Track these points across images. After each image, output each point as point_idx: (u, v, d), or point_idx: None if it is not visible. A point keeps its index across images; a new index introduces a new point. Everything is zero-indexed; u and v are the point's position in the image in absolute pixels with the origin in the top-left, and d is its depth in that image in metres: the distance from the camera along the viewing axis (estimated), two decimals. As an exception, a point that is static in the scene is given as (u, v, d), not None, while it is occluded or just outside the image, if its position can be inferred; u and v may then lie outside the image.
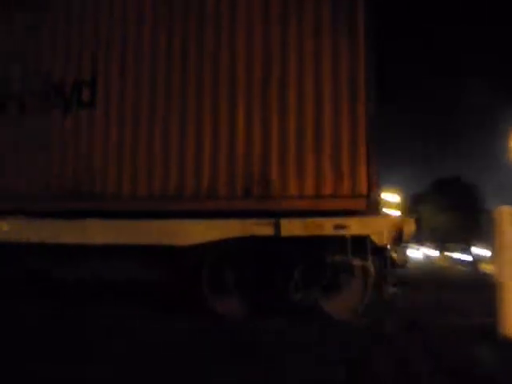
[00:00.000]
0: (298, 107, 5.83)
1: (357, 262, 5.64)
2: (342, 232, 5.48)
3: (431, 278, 16.45)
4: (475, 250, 31.25)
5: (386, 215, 5.85)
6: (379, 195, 5.84)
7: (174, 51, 6.28)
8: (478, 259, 27.66)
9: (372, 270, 5.83)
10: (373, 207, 5.67)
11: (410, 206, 38.76)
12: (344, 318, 5.72)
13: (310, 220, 5.55)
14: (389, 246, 5.85)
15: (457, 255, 33.06)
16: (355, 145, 5.69)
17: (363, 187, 5.62)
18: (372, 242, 5.50)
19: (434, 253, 41.68)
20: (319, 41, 5.85)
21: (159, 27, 6.37)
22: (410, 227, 5.80)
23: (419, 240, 38.34)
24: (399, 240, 5.70)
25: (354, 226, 5.51)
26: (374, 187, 5.69)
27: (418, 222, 6.33)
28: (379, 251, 5.80)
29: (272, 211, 5.70)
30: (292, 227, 5.58)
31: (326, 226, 5.50)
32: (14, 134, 6.71)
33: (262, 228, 5.62)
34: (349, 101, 5.73)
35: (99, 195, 6.41)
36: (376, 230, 5.49)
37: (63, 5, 6.87)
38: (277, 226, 5.57)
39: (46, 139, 6.57)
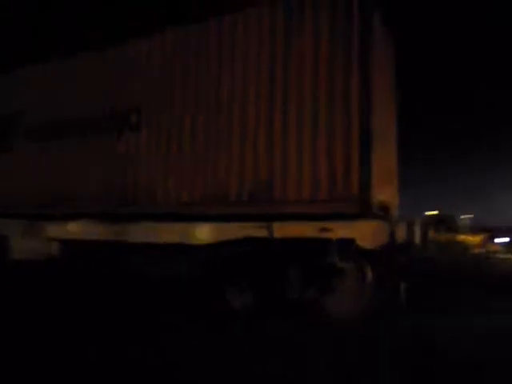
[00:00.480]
0: (297, 124, 6.16)
1: (347, 265, 5.74)
2: (327, 235, 5.67)
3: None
4: None
5: (376, 219, 5.75)
6: (373, 200, 5.79)
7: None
8: None
9: (368, 271, 5.87)
10: (366, 211, 5.71)
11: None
12: (342, 317, 5.86)
13: (297, 223, 5.85)
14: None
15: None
16: (348, 155, 5.81)
17: (355, 192, 5.71)
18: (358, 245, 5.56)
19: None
20: (317, 65, 6.10)
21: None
22: (402, 231, 5.70)
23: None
24: (390, 243, 5.64)
25: (339, 230, 5.65)
26: (367, 193, 5.72)
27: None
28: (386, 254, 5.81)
29: (274, 215, 6.13)
30: (283, 230, 5.95)
31: (312, 230, 5.74)
32: (78, 152, 8.25)
33: (258, 230, 6.09)
34: (343, 114, 5.88)
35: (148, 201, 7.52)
36: (360, 234, 5.54)
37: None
38: (270, 229, 5.99)
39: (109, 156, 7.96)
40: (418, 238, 6.29)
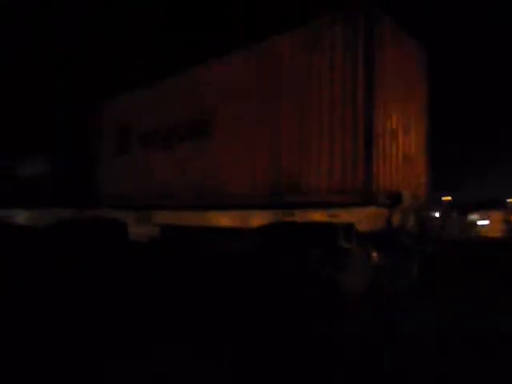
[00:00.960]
0: (318, 133, 7.56)
1: (351, 246, 6.99)
2: (335, 219, 7.00)
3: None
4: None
5: (373, 206, 6.86)
6: (377, 190, 6.96)
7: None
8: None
9: (372, 252, 7.04)
10: (367, 200, 6.91)
11: None
12: (351, 291, 7.12)
13: (312, 210, 7.26)
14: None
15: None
16: (356, 156, 7.06)
17: (360, 185, 6.96)
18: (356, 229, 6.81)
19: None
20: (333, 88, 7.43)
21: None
22: (397, 217, 6.78)
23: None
24: (387, 227, 6.77)
25: (344, 215, 6.94)
26: (369, 185, 6.93)
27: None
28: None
29: (302, 203, 7.61)
30: (302, 216, 7.41)
31: (323, 215, 7.12)
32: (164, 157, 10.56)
33: (286, 216, 7.64)
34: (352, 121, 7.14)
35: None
36: (358, 219, 6.78)
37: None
38: (293, 215, 7.50)
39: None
40: (410, 224, 7.21)
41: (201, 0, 21.26)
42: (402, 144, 7.85)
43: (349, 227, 6.89)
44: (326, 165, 7.43)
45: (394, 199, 7.22)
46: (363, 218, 6.76)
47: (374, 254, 7.01)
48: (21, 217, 15.27)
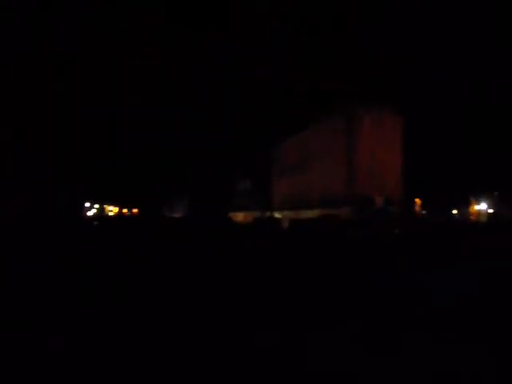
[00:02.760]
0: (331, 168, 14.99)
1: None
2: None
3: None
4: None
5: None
6: (358, 195, 13.95)
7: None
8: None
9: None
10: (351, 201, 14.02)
11: None
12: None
13: (333, 208, 14.73)
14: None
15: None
16: (346, 176, 14.27)
17: (348, 192, 14.12)
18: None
19: None
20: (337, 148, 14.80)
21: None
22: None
23: None
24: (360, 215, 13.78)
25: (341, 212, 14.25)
26: (353, 193, 14.03)
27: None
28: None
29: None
30: (324, 211, 14.90)
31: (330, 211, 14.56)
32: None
33: (328, 211, 15.19)
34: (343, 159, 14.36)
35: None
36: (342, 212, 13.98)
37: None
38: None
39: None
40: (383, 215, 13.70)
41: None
42: (379, 170, 14.32)
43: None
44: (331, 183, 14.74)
45: (368, 200, 13.92)
46: (346, 212, 13.87)
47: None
48: (239, 216, 25.86)
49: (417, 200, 16.36)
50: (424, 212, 36.00)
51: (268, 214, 21.35)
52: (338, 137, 14.93)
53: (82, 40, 17.89)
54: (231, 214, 26.85)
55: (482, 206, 46.08)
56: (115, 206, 46.27)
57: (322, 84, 21.55)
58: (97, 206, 41.26)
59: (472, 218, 43.31)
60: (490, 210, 44.83)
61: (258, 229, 20.86)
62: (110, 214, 44.08)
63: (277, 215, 20.29)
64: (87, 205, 36.90)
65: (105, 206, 43.54)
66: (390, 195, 14.36)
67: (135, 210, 48.41)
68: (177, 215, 36.68)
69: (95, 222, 30.46)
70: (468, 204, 50.60)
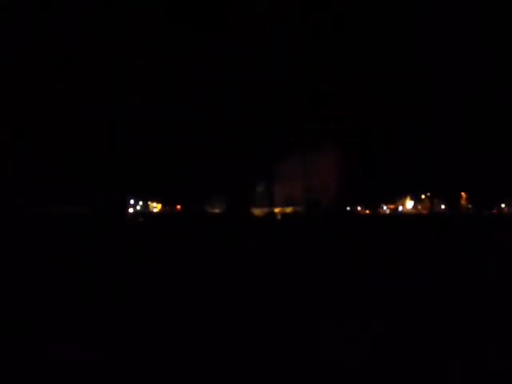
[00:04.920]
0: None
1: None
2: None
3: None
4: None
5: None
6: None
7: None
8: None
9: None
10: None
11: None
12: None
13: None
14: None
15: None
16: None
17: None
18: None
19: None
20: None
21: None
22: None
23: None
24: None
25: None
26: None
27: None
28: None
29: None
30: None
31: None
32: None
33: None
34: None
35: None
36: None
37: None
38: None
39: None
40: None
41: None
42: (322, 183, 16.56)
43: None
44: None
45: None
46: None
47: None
48: (256, 211, 28.54)
49: (462, 194, 18.12)
50: (470, 206, 36.84)
51: (271, 209, 25.16)
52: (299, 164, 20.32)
53: (82, 40, 18.16)
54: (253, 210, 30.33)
55: (532, 200, 45.56)
56: (159, 202, 49.43)
57: (322, 84, 22.65)
58: (141, 202, 44.56)
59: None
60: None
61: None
62: (154, 210, 47.47)
63: (276, 210, 24.84)
64: (131, 202, 40.18)
65: (149, 202, 46.81)
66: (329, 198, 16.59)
67: (178, 207, 51.25)
68: (217, 211, 39.19)
69: (140, 219, 33.48)
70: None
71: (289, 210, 23.14)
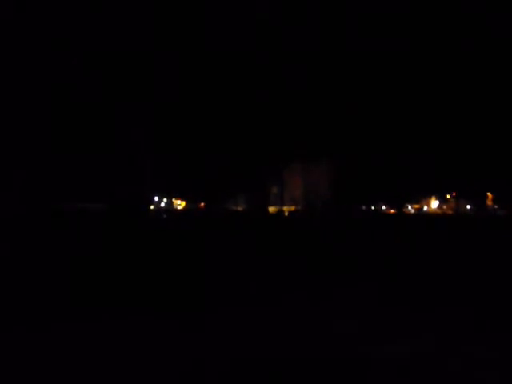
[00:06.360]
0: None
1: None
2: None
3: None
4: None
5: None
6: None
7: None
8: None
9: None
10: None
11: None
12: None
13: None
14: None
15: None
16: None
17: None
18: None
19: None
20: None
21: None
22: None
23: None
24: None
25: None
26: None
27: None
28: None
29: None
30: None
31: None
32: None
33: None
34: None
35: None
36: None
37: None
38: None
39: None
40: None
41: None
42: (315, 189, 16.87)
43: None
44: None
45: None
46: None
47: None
48: (271, 208, 29.66)
49: (488, 194, 18.13)
50: (496, 207, 36.48)
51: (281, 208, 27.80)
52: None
53: (82, 40, 18.03)
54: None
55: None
56: (183, 200, 50.04)
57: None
58: (165, 199, 45.16)
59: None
60: None
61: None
62: (179, 207, 48.18)
63: (284, 208, 27.30)
64: (156, 199, 40.75)
65: (173, 199, 47.49)
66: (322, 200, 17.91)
67: (202, 204, 51.90)
68: (239, 208, 39.77)
69: (164, 215, 34.06)
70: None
71: (292, 208, 26.62)
